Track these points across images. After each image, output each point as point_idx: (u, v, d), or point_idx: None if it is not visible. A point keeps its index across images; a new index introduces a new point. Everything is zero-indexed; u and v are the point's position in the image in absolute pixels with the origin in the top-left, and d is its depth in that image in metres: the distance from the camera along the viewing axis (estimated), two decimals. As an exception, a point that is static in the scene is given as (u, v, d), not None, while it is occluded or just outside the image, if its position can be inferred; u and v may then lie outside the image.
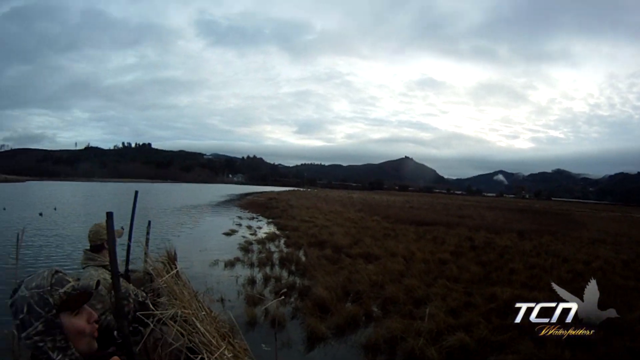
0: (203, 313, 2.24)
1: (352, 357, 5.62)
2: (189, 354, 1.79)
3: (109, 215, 1.58)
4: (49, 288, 1.13)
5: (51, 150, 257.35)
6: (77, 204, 32.97)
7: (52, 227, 16.94)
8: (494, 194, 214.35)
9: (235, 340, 2.44)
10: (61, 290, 1.15)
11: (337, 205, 36.00)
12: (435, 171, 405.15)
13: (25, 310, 1.10)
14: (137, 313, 1.92)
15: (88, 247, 3.08)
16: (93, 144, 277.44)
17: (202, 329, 1.86)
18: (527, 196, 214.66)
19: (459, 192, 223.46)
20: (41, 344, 1.09)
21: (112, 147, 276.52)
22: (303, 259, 11.27)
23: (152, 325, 1.83)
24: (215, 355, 1.78)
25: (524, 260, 11.58)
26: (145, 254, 3.85)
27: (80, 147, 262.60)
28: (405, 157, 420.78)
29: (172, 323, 1.84)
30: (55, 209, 25.76)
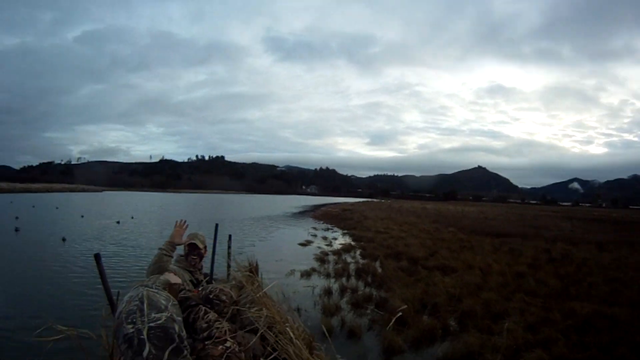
0: (288, 324, 2.41)
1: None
2: None
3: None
4: None
5: (127, 163, 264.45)
6: (153, 213, 34.31)
7: (128, 235, 17.54)
8: (569, 203, 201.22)
9: (314, 350, 2.59)
10: None
11: (411, 216, 35.46)
12: (508, 180, 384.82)
13: None
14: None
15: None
16: (167, 157, 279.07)
17: (296, 340, 1.97)
18: (603, 204, 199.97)
19: (534, 202, 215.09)
20: None
21: (186, 160, 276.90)
22: (379, 270, 11.13)
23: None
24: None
25: (603, 273, 11.03)
26: (228, 266, 4.21)
27: (155, 159, 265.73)
28: (478, 166, 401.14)
29: (269, 331, 2.00)
30: (132, 217, 26.99)
